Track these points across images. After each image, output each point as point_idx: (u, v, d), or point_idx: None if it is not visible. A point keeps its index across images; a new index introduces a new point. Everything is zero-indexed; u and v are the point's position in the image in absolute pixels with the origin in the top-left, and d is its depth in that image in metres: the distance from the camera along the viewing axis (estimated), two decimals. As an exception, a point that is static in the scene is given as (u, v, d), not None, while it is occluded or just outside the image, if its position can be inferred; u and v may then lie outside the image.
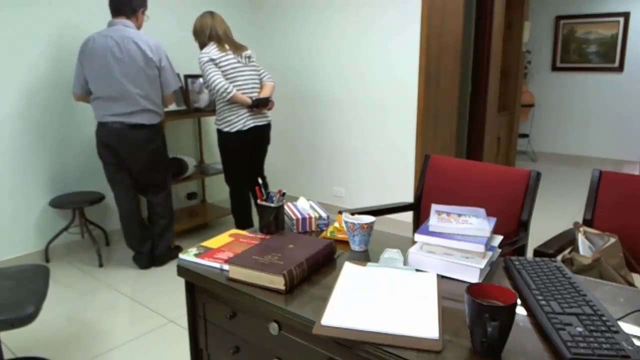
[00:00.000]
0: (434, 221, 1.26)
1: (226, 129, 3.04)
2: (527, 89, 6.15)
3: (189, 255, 1.32)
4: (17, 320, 1.62)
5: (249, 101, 2.99)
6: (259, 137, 3.15)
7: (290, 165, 4.45)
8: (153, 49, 2.80)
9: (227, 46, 3.01)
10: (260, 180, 1.54)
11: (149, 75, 2.81)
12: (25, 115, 3.07)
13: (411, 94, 3.50)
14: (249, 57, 3.09)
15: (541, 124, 6.45)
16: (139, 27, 2.91)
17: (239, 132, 3.03)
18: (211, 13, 3.07)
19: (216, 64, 2.94)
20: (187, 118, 3.77)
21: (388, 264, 1.24)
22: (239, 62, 3.02)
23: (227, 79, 2.97)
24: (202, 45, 3.06)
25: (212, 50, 2.96)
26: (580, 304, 0.97)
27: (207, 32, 3.02)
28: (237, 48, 3.05)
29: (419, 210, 2.08)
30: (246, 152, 3.15)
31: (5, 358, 2.16)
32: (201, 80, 3.66)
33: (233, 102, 2.98)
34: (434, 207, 1.37)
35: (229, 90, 2.92)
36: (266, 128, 3.17)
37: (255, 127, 3.08)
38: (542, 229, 2.80)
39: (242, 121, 3.02)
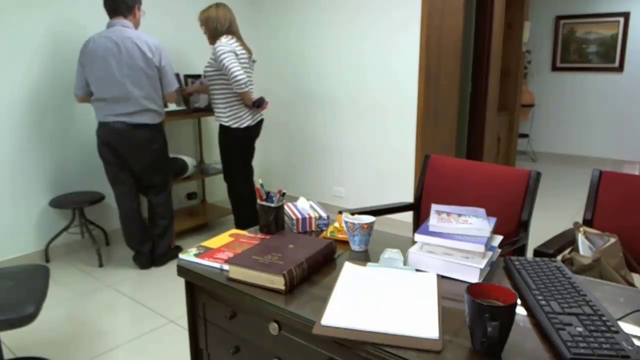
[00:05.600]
0: (434, 221, 1.26)
1: (235, 125, 3.09)
2: (527, 89, 6.14)
3: (189, 255, 1.32)
4: (17, 320, 1.62)
5: (252, 100, 3.06)
6: (260, 130, 3.27)
7: (290, 165, 4.45)
8: (152, 49, 2.79)
9: (244, 45, 3.06)
10: (255, 179, 1.54)
11: (149, 75, 2.81)
12: (26, 115, 3.07)
13: (411, 94, 3.49)
14: (254, 62, 3.21)
15: (541, 124, 6.45)
16: (137, 24, 2.90)
17: (247, 127, 3.12)
18: (226, 6, 3.07)
19: (237, 57, 2.96)
20: (187, 118, 3.77)
21: (388, 264, 1.24)
22: (248, 63, 3.08)
23: None
24: (215, 35, 3.03)
25: (233, 43, 2.97)
26: (580, 304, 0.97)
27: (227, 24, 3.02)
28: (249, 50, 3.12)
29: (419, 210, 2.08)
30: (252, 146, 3.27)
31: (5, 358, 2.16)
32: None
33: (240, 97, 3.02)
34: (434, 207, 1.37)
35: (248, 84, 2.97)
36: (263, 121, 3.30)
37: (261, 120, 3.23)
38: (542, 229, 2.80)
39: (249, 117, 3.11)
